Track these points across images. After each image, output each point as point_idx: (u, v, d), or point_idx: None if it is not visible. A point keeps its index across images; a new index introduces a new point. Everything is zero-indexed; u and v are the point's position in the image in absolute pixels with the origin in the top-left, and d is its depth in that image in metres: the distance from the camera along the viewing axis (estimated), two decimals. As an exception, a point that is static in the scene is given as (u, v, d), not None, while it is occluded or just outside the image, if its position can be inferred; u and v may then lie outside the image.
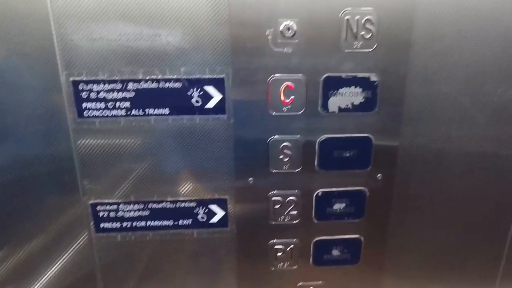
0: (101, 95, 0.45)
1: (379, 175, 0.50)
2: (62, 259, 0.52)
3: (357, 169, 0.50)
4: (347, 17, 0.43)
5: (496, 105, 0.48)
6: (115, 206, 0.50)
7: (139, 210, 0.50)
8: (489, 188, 0.53)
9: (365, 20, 0.43)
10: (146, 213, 0.51)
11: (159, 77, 0.44)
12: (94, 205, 0.50)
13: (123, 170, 0.48)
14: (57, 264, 0.52)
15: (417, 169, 0.51)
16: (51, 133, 0.46)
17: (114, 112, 0.46)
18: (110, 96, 0.45)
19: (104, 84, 0.44)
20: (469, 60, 0.46)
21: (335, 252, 0.54)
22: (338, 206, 0.52)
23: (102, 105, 0.45)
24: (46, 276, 0.53)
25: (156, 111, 0.46)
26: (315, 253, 0.54)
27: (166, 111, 0.46)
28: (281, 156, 0.49)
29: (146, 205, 0.50)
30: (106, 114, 0.45)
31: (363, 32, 0.44)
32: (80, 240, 0.51)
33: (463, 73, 0.47)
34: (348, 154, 0.49)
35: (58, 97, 0.44)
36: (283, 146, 0.48)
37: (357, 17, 0.43)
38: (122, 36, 0.43)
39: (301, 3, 0.43)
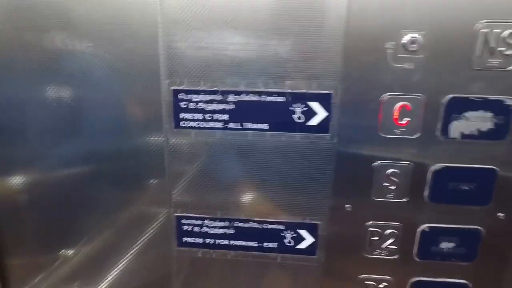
0: (200, 105, 0.42)
1: (500, 214, 0.43)
2: (141, 265, 0.50)
3: (474, 205, 0.42)
4: (484, 30, 0.37)
5: None
6: (200, 221, 0.47)
7: (224, 227, 0.47)
8: None
9: (506, 34, 0.37)
10: (231, 231, 0.47)
11: (262, 89, 0.41)
12: (179, 218, 0.47)
13: (213, 185, 0.45)
14: (135, 270, 0.50)
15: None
16: (145, 141, 0.44)
17: (212, 124, 0.43)
18: (209, 107, 0.42)
19: (205, 95, 0.42)
20: None
21: (436, 297, 0.47)
22: (446, 245, 0.44)
23: (200, 116, 0.42)
24: (119, 281, 0.51)
25: (255, 126, 0.42)
26: (412, 295, 0.47)
27: (265, 126, 0.42)
28: (386, 183, 0.43)
29: (232, 223, 0.47)
30: (203, 126, 0.43)
31: (502, 48, 0.37)
32: (161, 251, 0.49)
33: None
34: (465, 187, 0.42)
35: (156, 105, 0.43)
36: (390, 172, 0.42)
37: (496, 30, 0.37)
38: (228, 45, 0.40)
39: (429, 13, 0.37)
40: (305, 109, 0.41)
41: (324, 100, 0.41)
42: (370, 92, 0.40)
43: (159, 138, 0.44)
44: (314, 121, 0.41)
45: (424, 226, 0.44)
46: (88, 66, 0.42)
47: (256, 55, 0.40)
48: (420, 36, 0.37)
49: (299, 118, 0.41)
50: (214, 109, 0.42)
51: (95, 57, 0.41)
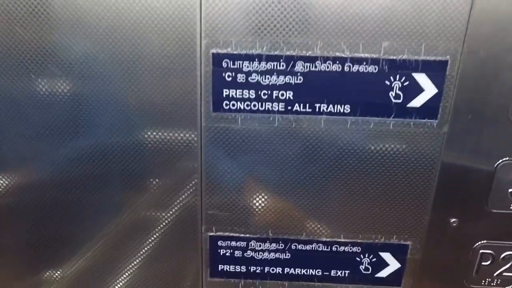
0: (254, 77, 0.29)
1: None
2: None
3: None
4: None
5: None
6: (244, 243, 0.34)
7: (277, 251, 0.34)
8: None
9: None
10: (287, 256, 0.34)
11: (347, 54, 0.28)
12: (214, 239, 0.34)
13: (265, 193, 0.32)
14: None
15: None
16: (173, 130, 0.30)
17: (269, 105, 0.29)
18: (266, 80, 0.29)
19: (261, 62, 0.28)
20: None
21: (557, 338, 0.35)
22: None
23: (253, 93, 0.29)
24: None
25: (331, 108, 0.29)
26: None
27: (347, 108, 0.29)
28: (511, 190, 0.31)
29: (289, 245, 0.34)
30: (256, 109, 0.29)
31: None
32: (188, 282, 0.35)
33: None
34: None
35: (190, 78, 0.29)
36: None
37: None
38: (299, -13, 0.27)
39: None
40: (406, 83, 0.28)
41: (436, 71, 0.28)
42: (504, 61, 0.27)
43: (191, 126, 0.30)
44: (418, 102, 0.29)
45: None
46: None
47: (339, 3, 0.27)
48: None
49: (396, 96, 0.29)
50: (274, 84, 0.29)
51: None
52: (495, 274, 0.33)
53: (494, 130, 0.29)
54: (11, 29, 0.28)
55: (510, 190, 0.30)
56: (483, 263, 0.33)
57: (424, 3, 0.26)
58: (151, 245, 0.35)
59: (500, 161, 0.30)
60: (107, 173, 0.31)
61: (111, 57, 0.28)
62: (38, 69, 0.29)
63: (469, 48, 0.27)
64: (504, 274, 0.33)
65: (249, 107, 0.29)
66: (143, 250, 0.35)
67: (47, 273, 0.36)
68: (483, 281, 0.33)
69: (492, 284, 0.33)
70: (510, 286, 0.33)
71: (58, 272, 0.36)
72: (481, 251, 0.32)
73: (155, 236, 0.34)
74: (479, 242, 0.32)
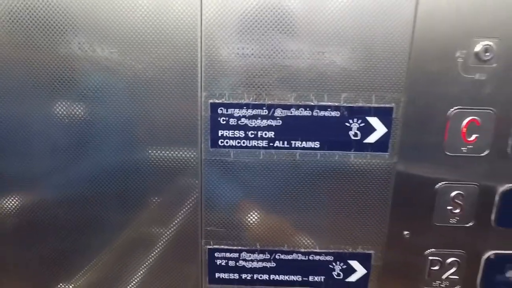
0: (243, 121, 0.36)
1: None
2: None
3: (546, 229, 0.38)
4: (560, 38, 0.33)
5: None
6: (236, 254, 0.40)
7: (264, 260, 0.40)
8: None
9: None
10: (272, 264, 0.40)
11: (314, 103, 0.35)
12: (212, 251, 0.40)
13: (253, 212, 0.39)
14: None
15: None
16: (176, 161, 0.37)
17: (255, 142, 0.37)
18: (252, 123, 0.36)
19: (248, 109, 0.36)
20: None
21: (499, 331, 0.41)
22: (513, 274, 0.39)
23: (242, 133, 0.36)
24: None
25: (304, 144, 0.37)
26: (473, 329, 0.41)
27: (316, 144, 0.37)
28: (450, 207, 0.38)
29: (273, 255, 0.40)
30: (245, 145, 0.37)
31: None
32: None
33: None
34: (537, 210, 0.37)
35: (191, 121, 0.36)
36: (455, 194, 0.37)
37: None
38: (277, 52, 0.34)
39: (505, 19, 0.33)
40: (362, 125, 0.36)
41: (384, 115, 0.35)
42: (436, 106, 0.35)
43: (193, 159, 0.37)
44: (372, 139, 0.36)
45: (490, 253, 0.39)
46: (111, 75, 0.35)
47: (309, 64, 0.34)
48: (493, 44, 0.33)
49: (355, 135, 0.36)
50: (259, 126, 0.36)
51: (120, 65, 0.35)
52: (443, 277, 0.40)
53: (432, 159, 0.36)
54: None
55: (448, 207, 0.37)
56: (432, 268, 0.39)
57: (373, 64, 0.34)
58: (156, 257, 0.41)
59: (439, 184, 0.37)
60: (122, 191, 0.38)
61: (131, 97, 0.36)
62: (46, 92, 0.36)
63: (409, 97, 0.35)
64: (451, 277, 0.40)
65: (239, 144, 0.36)
66: (148, 262, 0.41)
67: None
68: (434, 283, 0.40)
69: (441, 285, 0.40)
70: (457, 287, 0.40)
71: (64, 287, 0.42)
72: (430, 257, 0.39)
73: (160, 249, 0.40)
74: (428, 250, 0.39)
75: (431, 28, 0.33)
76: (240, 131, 0.36)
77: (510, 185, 0.37)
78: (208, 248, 0.40)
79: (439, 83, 0.34)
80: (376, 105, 0.35)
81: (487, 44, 0.33)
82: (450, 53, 0.34)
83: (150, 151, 0.37)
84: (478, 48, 0.33)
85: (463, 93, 0.34)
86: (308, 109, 0.35)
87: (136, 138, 0.37)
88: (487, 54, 0.33)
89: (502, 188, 0.37)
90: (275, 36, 0.34)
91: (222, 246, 0.40)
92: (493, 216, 0.38)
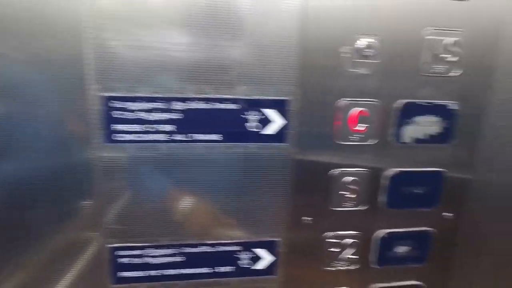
0: (139, 115, 0.35)
1: (448, 214, 0.43)
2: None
3: (427, 208, 0.42)
4: (429, 37, 0.37)
5: None
6: (140, 251, 0.39)
7: (170, 255, 0.39)
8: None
9: (451, 42, 0.37)
10: (179, 258, 0.40)
11: (212, 96, 0.35)
12: (113, 250, 0.38)
13: (155, 207, 0.38)
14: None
15: (489, 208, 0.44)
16: (70, 160, 0.35)
17: (154, 136, 0.35)
18: (150, 117, 0.35)
19: (145, 102, 0.34)
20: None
21: (393, 301, 0.46)
22: (401, 249, 0.43)
23: (139, 127, 0.35)
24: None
25: (205, 137, 0.36)
26: (371, 302, 0.45)
27: (218, 137, 0.37)
28: (344, 192, 0.40)
29: (180, 249, 0.39)
30: (144, 139, 0.35)
31: (446, 55, 0.38)
32: (92, 292, 0.39)
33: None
34: (419, 191, 0.41)
35: (84, 116, 0.34)
36: (349, 180, 0.40)
37: (439, 37, 0.37)
38: (171, 45, 0.33)
39: (384, 18, 0.36)
40: (260, 117, 0.37)
41: (281, 107, 0.37)
42: (326, 98, 0.37)
43: (87, 155, 0.35)
44: (270, 130, 0.37)
45: (381, 232, 0.43)
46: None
47: (204, 57, 0.34)
48: (375, 41, 0.36)
49: (254, 127, 0.37)
50: (157, 119, 0.35)
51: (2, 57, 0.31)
52: (342, 257, 0.43)
53: (326, 148, 0.39)
54: None
55: (342, 193, 0.40)
56: (331, 250, 0.42)
57: (269, 58, 0.35)
58: (58, 259, 0.38)
59: (332, 170, 0.39)
60: (13, 192, 0.35)
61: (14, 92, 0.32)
62: None
63: (303, 90, 0.36)
64: (349, 256, 0.43)
65: (137, 138, 0.35)
66: (51, 264, 0.38)
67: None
68: (335, 264, 0.43)
69: (341, 265, 0.43)
70: (355, 265, 0.43)
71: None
72: (329, 240, 0.42)
73: (62, 250, 0.38)
74: (326, 233, 0.42)
75: (319, 24, 0.35)
76: (137, 125, 0.35)
77: (396, 170, 0.40)
78: (110, 247, 0.38)
79: (329, 77, 0.36)
80: (273, 98, 0.36)
81: (369, 41, 0.36)
82: (336, 49, 0.36)
83: (39, 151, 0.34)
84: (360, 44, 0.36)
85: (350, 86, 0.37)
86: (206, 102, 0.35)
87: (23, 137, 0.33)
88: (369, 50, 0.36)
89: (389, 173, 0.40)
90: (169, 28, 0.33)
91: (125, 244, 0.38)
92: (383, 199, 0.41)
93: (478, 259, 0.45)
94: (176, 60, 0.34)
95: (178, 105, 0.35)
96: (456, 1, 0.37)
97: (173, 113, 0.35)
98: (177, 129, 0.35)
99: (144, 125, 0.35)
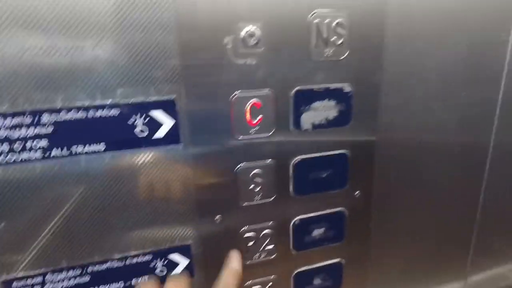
0: (2, 133, 0.31)
1: (357, 192, 0.44)
2: None
3: (335, 190, 0.43)
4: (316, 20, 0.36)
5: (465, 107, 0.45)
6: (40, 279, 0.36)
7: (75, 277, 0.37)
8: (455, 191, 0.51)
9: (336, 24, 0.36)
10: (86, 279, 0.37)
11: (87, 104, 0.32)
12: (8, 283, 0.35)
13: (48, 230, 0.34)
14: None
15: (394, 181, 0.46)
16: None
17: (25, 155, 0.32)
18: (16, 134, 0.31)
19: (6, 119, 0.30)
20: (439, 63, 0.42)
21: (317, 281, 0.47)
22: (318, 232, 0.44)
23: (5, 147, 0.31)
24: None
25: (87, 148, 0.33)
26: (296, 287, 0.46)
27: (101, 146, 0.34)
28: (252, 186, 0.39)
29: (86, 268, 0.37)
30: (13, 160, 0.31)
31: (334, 38, 0.37)
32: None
33: (434, 76, 0.43)
34: (325, 175, 0.42)
35: None
36: (254, 174, 0.39)
37: (327, 20, 0.36)
38: (26, 50, 0.29)
39: (264, 3, 0.34)
40: (147, 120, 0.34)
41: (168, 107, 0.34)
42: (217, 93, 0.35)
43: None
44: (161, 133, 0.35)
45: (296, 219, 0.43)
46: None
47: (69, 61, 0.30)
48: (257, 28, 0.34)
49: (142, 131, 0.34)
50: (25, 136, 0.31)
51: None
52: (260, 249, 0.42)
53: (226, 144, 0.37)
54: None
55: (251, 187, 0.39)
56: (249, 244, 0.42)
57: (144, 57, 0.32)
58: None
59: (238, 166, 0.38)
60: None
61: None
62: None
63: (189, 87, 0.34)
64: (267, 247, 0.43)
65: (5, 160, 0.31)
66: None
67: None
68: (254, 257, 0.42)
69: (261, 257, 0.43)
70: (274, 255, 0.43)
71: None
72: (245, 234, 0.41)
73: None
74: (242, 228, 0.41)
75: (194, 15, 0.32)
76: (3, 145, 0.31)
77: (300, 156, 0.40)
78: (3, 282, 0.34)
79: (215, 70, 0.34)
80: (157, 98, 0.34)
81: (251, 29, 0.34)
82: (218, 40, 0.34)
83: None
84: (243, 33, 0.34)
85: (239, 78, 0.35)
86: (81, 110, 0.32)
87: None
88: (253, 38, 0.34)
89: (294, 160, 0.40)
90: (20, 31, 0.29)
91: (20, 275, 0.35)
92: (291, 187, 0.41)
93: (392, 231, 0.48)
94: (35, 67, 0.30)
95: (48, 118, 0.31)
96: (338, -19, 0.36)
97: (43, 127, 0.31)
98: (52, 143, 0.32)
99: (10, 144, 0.31)
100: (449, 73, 0.43)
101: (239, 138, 0.37)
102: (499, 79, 0.46)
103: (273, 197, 0.40)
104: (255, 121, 0.37)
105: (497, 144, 0.49)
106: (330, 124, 0.40)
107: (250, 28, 0.34)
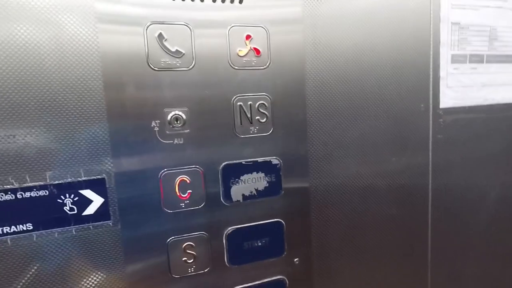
0: None
1: (296, 259, 0.44)
2: None
3: (272, 258, 0.43)
4: (239, 103, 0.39)
5: (392, 171, 0.48)
6: None
7: None
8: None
9: (259, 105, 0.40)
10: None
11: (16, 186, 0.33)
12: None
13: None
14: None
15: (332, 243, 0.46)
16: None
17: (-50, 238, 0.32)
18: None
19: None
20: (363, 132, 0.45)
21: None
22: (257, 303, 0.43)
23: None
24: None
25: (14, 229, 0.34)
26: None
27: (29, 226, 0.34)
28: (185, 258, 0.40)
29: None
30: None
31: (258, 117, 0.40)
32: None
33: (359, 145, 0.45)
34: (259, 243, 0.42)
35: None
36: (186, 245, 0.39)
37: (249, 102, 0.39)
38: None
39: (189, 92, 0.37)
40: (76, 199, 0.35)
41: (97, 186, 0.36)
42: (146, 171, 0.37)
43: None
44: (91, 210, 0.36)
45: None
46: None
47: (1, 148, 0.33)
48: (182, 113, 0.37)
49: (71, 209, 0.35)
50: (-49, 220, 0.32)
51: None
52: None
53: (155, 219, 0.38)
54: None
55: (183, 259, 0.39)
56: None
57: (80, 139, 0.34)
58: None
59: (169, 240, 0.39)
60: None
61: None
62: None
63: (119, 167, 0.36)
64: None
65: None
66: None
67: None
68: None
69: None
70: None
71: None
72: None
73: None
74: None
75: (123, 103, 0.35)
76: None
77: (232, 227, 0.41)
78: None
79: (145, 150, 0.37)
80: (86, 178, 0.35)
81: (176, 114, 0.37)
82: (147, 123, 0.36)
83: None
84: (169, 117, 0.37)
85: (167, 156, 0.37)
86: (9, 193, 0.33)
87: None
88: (178, 122, 0.37)
89: (226, 231, 0.41)
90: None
91: None
92: (225, 258, 0.41)
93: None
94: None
95: (-24, 201, 0.32)
96: (261, 70, 0.40)
97: (-29, 210, 0.33)
98: (-22, 226, 0.33)
99: None
100: (375, 141, 0.46)
101: (169, 212, 0.38)
102: (426, 144, 0.49)
103: (207, 269, 0.40)
104: (184, 195, 0.38)
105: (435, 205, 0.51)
106: (261, 194, 0.41)
107: (175, 112, 0.37)
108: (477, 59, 0.51)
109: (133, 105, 0.35)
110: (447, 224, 0.53)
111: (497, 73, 0.52)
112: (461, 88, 0.48)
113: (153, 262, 0.39)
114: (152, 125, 0.36)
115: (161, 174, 0.37)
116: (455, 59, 0.49)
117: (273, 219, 0.42)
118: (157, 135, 0.37)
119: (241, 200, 0.40)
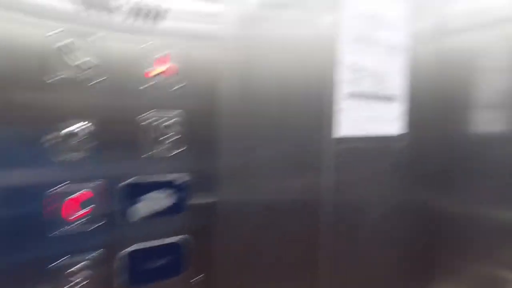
0: None
1: (199, 276, 0.44)
2: None
3: (174, 277, 0.42)
4: (149, 120, 0.39)
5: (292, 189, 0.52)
6: None
7: None
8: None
9: (169, 122, 0.40)
10: None
11: None
12: None
13: None
14: None
15: (236, 262, 0.47)
16: None
17: None
18: None
19: None
20: (269, 153, 0.49)
21: None
22: (156, 323, 0.42)
23: None
24: None
25: None
26: None
27: None
28: (79, 279, 0.37)
29: None
30: None
31: (167, 134, 0.40)
32: None
33: (265, 165, 0.48)
34: (159, 263, 0.41)
35: None
36: (78, 268, 0.37)
37: (160, 119, 0.39)
38: None
39: (94, 106, 0.36)
40: None
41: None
42: (31, 191, 0.34)
43: None
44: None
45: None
46: None
47: None
48: (86, 127, 0.35)
49: None
50: None
51: None
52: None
53: (38, 241, 0.35)
54: None
55: (76, 281, 0.36)
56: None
57: None
58: None
59: (54, 264, 0.36)
60: None
61: None
62: None
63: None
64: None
65: None
66: None
67: None
68: None
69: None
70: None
71: None
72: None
73: None
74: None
75: (13, 115, 0.32)
76: None
77: (132, 247, 0.40)
78: None
79: (34, 166, 0.34)
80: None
81: (78, 127, 0.35)
82: (37, 138, 0.34)
83: None
84: (68, 130, 0.35)
85: (61, 173, 0.35)
86: None
87: None
88: (78, 136, 0.35)
89: (122, 252, 0.39)
90: None
91: None
92: (124, 278, 0.39)
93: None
94: None
95: None
96: (175, 87, 0.40)
97: None
98: None
99: None
100: (279, 162, 0.49)
101: (56, 234, 0.35)
102: (322, 167, 0.55)
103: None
104: (78, 215, 0.36)
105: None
106: (164, 213, 0.41)
107: (76, 126, 0.35)
108: (367, 96, 0.59)
109: (21, 115, 0.32)
110: (336, 236, 0.59)
111: (381, 110, 0.61)
112: (351, 120, 0.56)
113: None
114: (47, 138, 0.34)
115: (49, 192, 0.34)
116: (350, 96, 0.57)
117: (176, 236, 0.42)
118: (49, 152, 0.34)
119: (142, 219, 0.39)
